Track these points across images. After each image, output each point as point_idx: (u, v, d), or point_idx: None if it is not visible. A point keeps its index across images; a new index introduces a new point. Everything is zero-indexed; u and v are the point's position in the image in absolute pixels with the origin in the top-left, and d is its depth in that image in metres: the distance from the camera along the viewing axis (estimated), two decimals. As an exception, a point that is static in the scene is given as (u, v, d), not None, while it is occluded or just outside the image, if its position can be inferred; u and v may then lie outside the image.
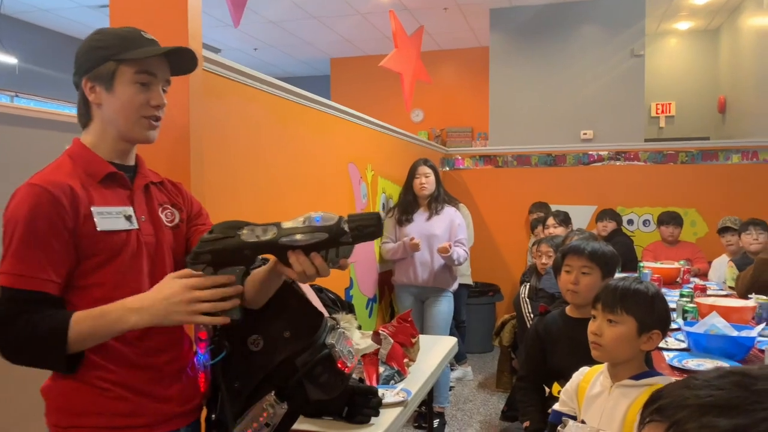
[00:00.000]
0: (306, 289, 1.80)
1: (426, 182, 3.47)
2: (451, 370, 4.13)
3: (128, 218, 1.17)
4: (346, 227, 1.08)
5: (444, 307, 3.47)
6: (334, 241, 1.08)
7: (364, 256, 3.49)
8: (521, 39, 6.42)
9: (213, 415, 1.26)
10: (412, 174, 3.55)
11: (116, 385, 1.14)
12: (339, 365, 1.27)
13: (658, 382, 1.47)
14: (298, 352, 1.26)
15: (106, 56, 1.16)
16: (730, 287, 3.59)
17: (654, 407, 0.59)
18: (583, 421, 1.55)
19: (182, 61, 1.24)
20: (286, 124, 2.57)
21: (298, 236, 1.07)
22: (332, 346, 1.26)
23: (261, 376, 1.26)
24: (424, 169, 3.50)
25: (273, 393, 1.23)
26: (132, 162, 1.26)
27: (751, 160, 4.74)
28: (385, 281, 3.80)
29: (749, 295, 2.93)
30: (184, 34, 1.72)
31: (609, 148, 5.17)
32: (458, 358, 4.30)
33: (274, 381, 1.24)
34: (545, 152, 5.25)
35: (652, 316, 1.50)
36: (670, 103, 7.69)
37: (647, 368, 1.56)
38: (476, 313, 4.88)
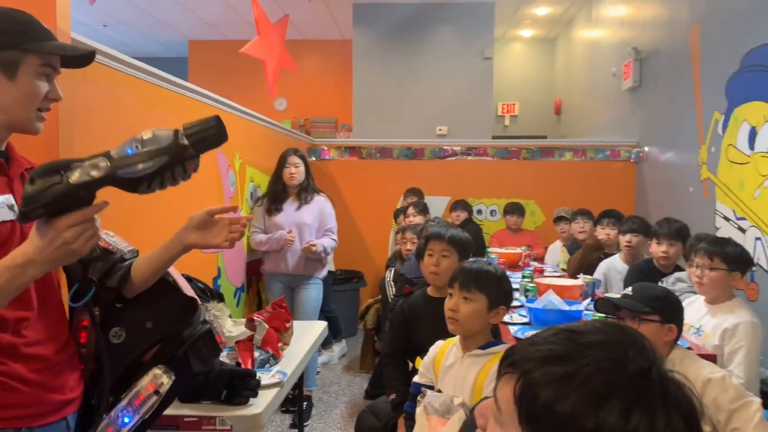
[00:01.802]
0: (178, 277, 1.82)
1: (296, 172, 3.55)
2: (318, 354, 4.26)
3: (11, 207, 1.15)
4: (185, 141, 1.00)
5: (313, 294, 3.58)
6: (178, 160, 1.00)
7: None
8: (383, 35, 6.67)
9: (93, 401, 1.27)
10: (281, 163, 3.60)
11: (6, 377, 1.12)
12: (218, 340, 1.35)
13: (502, 349, 1.71)
14: (173, 335, 1.31)
15: (11, 43, 1.12)
16: (563, 269, 4.09)
17: (507, 362, 0.74)
18: (439, 390, 1.75)
19: (81, 58, 1.22)
20: (153, 109, 2.51)
21: (140, 166, 0.98)
22: (211, 323, 1.33)
23: (124, 367, 1.30)
24: (294, 159, 3.57)
25: (160, 365, 1.27)
26: (3, 148, 1.22)
27: (581, 158, 5.38)
28: (253, 270, 3.83)
29: (578, 276, 3.39)
30: (51, 14, 1.66)
31: (462, 143, 5.57)
32: (324, 344, 4.44)
33: (159, 357, 1.28)
34: (406, 146, 5.54)
35: (500, 293, 1.74)
36: (514, 104, 8.43)
37: (493, 339, 1.81)
38: (341, 300, 5.05)
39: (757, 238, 3.31)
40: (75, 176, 0.98)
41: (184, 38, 8.33)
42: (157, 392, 1.26)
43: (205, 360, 1.30)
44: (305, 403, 3.52)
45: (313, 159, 5.45)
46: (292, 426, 3.34)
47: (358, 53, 6.71)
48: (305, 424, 3.32)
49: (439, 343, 1.86)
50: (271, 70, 4.33)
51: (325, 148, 5.55)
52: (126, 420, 1.25)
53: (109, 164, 0.98)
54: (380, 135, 5.89)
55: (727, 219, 3.67)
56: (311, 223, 3.58)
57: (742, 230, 3.45)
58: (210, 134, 1.00)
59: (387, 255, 5.03)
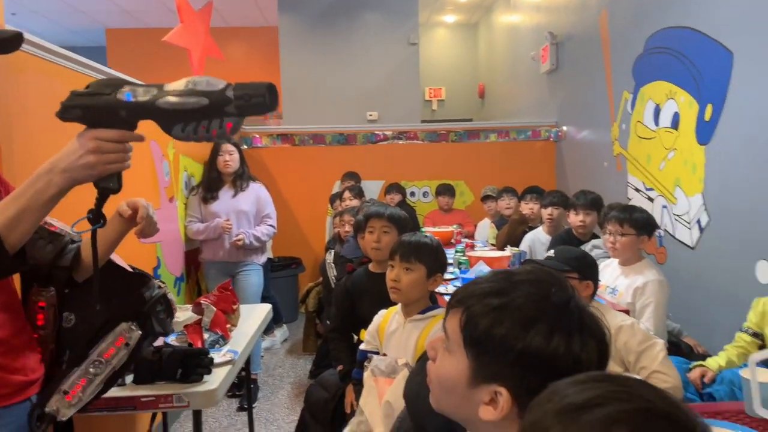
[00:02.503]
0: (122, 262, 1.87)
1: (230, 159, 3.57)
2: (261, 340, 4.32)
3: None
4: (231, 94, 0.97)
5: (254, 280, 3.64)
6: (217, 110, 0.97)
7: (169, 237, 3.48)
8: (309, 22, 6.69)
9: (64, 366, 1.31)
10: (215, 152, 3.61)
11: None
12: (172, 306, 1.42)
13: (440, 312, 1.87)
14: (137, 295, 1.36)
15: None
16: (492, 244, 4.33)
17: (454, 300, 0.88)
18: (384, 354, 1.89)
19: (7, 42, 1.22)
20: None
21: (179, 99, 0.97)
22: (165, 289, 1.40)
23: (81, 348, 1.34)
24: (228, 147, 3.59)
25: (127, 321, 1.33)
26: None
27: (505, 139, 5.65)
28: (192, 260, 3.83)
29: (505, 248, 3.62)
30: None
31: (392, 128, 5.71)
32: (266, 330, 4.49)
33: (125, 316, 1.33)
34: (338, 132, 5.62)
35: (437, 262, 1.89)
36: (440, 88, 8.66)
37: (431, 304, 1.96)
38: (280, 286, 5.10)
39: (664, 206, 3.64)
40: (123, 92, 0.98)
41: (101, 26, 8.02)
42: (126, 345, 1.31)
43: (162, 323, 1.37)
44: (251, 386, 3.59)
45: (245, 147, 5.44)
46: (240, 409, 3.40)
47: (285, 40, 6.70)
48: (252, 406, 3.39)
49: (382, 312, 1.99)
50: (197, 58, 4.28)
51: (257, 135, 5.55)
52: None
53: (156, 93, 0.98)
54: (312, 121, 5.94)
55: (637, 190, 3.99)
56: (248, 210, 3.62)
57: (651, 200, 3.77)
58: (257, 100, 0.96)
59: (324, 240, 5.12)
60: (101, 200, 1.08)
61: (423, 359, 1.26)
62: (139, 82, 1.02)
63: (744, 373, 1.39)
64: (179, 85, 0.98)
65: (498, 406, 0.80)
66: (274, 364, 4.24)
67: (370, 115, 6.74)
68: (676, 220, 3.54)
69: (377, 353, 1.88)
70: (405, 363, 1.65)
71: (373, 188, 5.40)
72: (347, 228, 3.69)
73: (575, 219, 3.35)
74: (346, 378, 2.28)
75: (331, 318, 2.56)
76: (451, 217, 5.17)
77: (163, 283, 1.43)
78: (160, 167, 3.32)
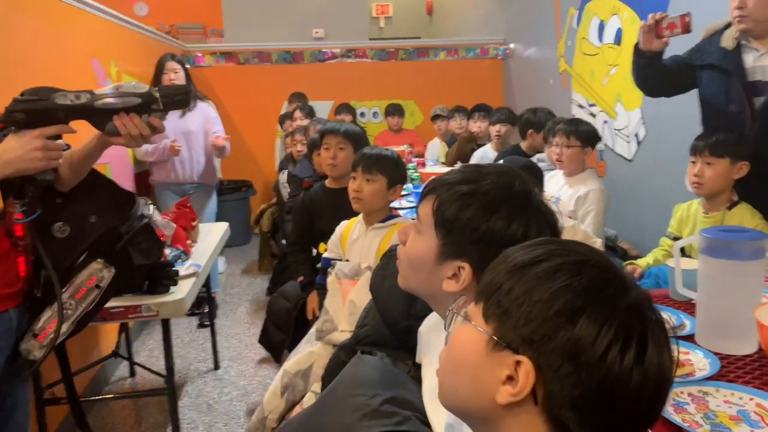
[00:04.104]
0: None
1: (176, 78, 3.47)
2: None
3: None
4: (156, 94, 1.22)
5: (207, 200, 3.64)
6: (147, 107, 1.22)
7: (118, 160, 3.40)
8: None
9: (37, 293, 1.34)
10: (159, 70, 3.49)
11: None
12: (158, 233, 1.45)
13: (400, 221, 1.97)
14: (111, 230, 1.39)
15: None
16: (442, 162, 4.43)
17: (428, 188, 0.98)
18: (347, 260, 1.98)
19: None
20: (24, 16, 2.35)
21: (113, 100, 1.20)
22: (150, 217, 1.43)
23: (71, 261, 1.37)
24: (173, 65, 3.48)
25: (99, 260, 1.36)
26: None
27: (454, 57, 5.65)
28: (142, 182, 3.77)
29: (455, 164, 3.73)
30: None
31: (341, 45, 5.61)
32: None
33: (99, 252, 1.37)
34: (284, 49, 5.48)
35: (397, 174, 1.97)
36: (388, 5, 8.44)
37: (390, 213, 2.05)
38: (231, 209, 5.09)
39: (605, 122, 3.80)
40: (59, 96, 1.17)
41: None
42: (98, 286, 1.35)
43: (146, 253, 1.41)
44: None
45: (188, 66, 5.25)
46: (200, 326, 3.49)
47: (224, -48, 6.33)
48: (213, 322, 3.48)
49: (344, 223, 2.08)
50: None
51: (200, 54, 5.36)
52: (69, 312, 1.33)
53: (90, 97, 1.18)
54: (255, 39, 5.73)
55: (581, 106, 4.13)
56: (196, 130, 3.56)
57: (593, 115, 3.92)
58: (178, 99, 1.25)
59: (274, 161, 5.10)
60: (37, 191, 1.24)
61: (386, 256, 1.36)
62: (66, 90, 1.20)
63: (670, 262, 1.55)
64: (109, 89, 1.21)
65: (460, 279, 0.91)
66: (230, 284, 4.32)
67: (317, 33, 6.54)
68: (616, 134, 3.72)
69: (340, 260, 1.97)
70: (368, 266, 1.75)
71: (322, 109, 5.35)
72: (299, 147, 3.70)
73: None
74: (308, 287, 2.38)
75: (289, 233, 2.62)
76: (401, 138, 5.21)
77: (149, 201, 1.46)
78: (103, 86, 3.19)
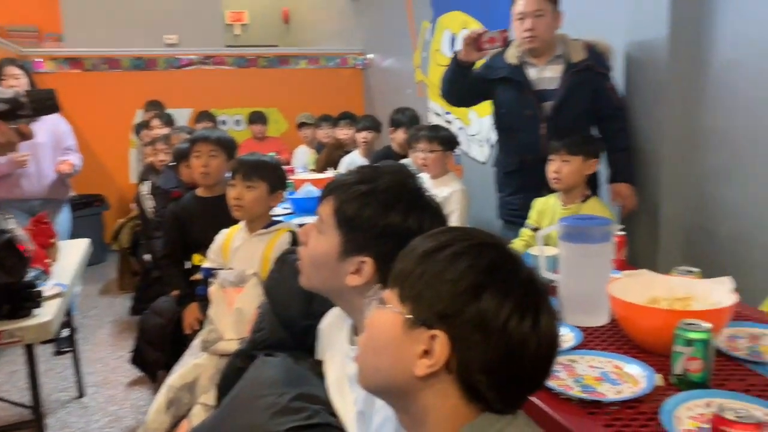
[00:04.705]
0: None
1: (17, 84, 3.15)
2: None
3: None
4: (23, 99, 1.18)
5: (62, 218, 3.35)
6: (13, 113, 1.18)
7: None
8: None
9: None
10: (-3, 76, 3.17)
11: None
12: (20, 249, 1.34)
13: (284, 226, 1.99)
14: None
15: None
16: (312, 169, 4.47)
17: (327, 190, 1.03)
18: (231, 269, 1.96)
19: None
20: None
21: None
22: (11, 232, 1.32)
23: None
24: (13, 70, 3.16)
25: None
26: None
27: (315, 66, 5.72)
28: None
29: (325, 171, 3.79)
30: None
31: (197, 52, 5.43)
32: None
33: None
34: (136, 55, 5.20)
35: (277, 180, 1.99)
36: (243, 12, 8.31)
37: (272, 220, 2.06)
38: (83, 226, 4.70)
39: (460, 128, 4.08)
40: None
41: None
42: None
43: (11, 271, 1.30)
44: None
45: (26, 72, 4.78)
46: (57, 353, 3.20)
47: (61, -51, 5.86)
48: (71, 349, 3.21)
49: (224, 231, 2.04)
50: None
51: (40, 59, 4.91)
52: None
53: None
54: (100, 45, 5.35)
55: (438, 114, 4.40)
56: (44, 142, 3.27)
57: (449, 123, 4.19)
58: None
59: (128, 173, 4.82)
60: None
61: (280, 260, 1.38)
62: None
63: (531, 251, 1.74)
64: None
65: (363, 273, 0.97)
66: (88, 306, 4.00)
67: (169, 39, 6.27)
68: (470, 140, 4.01)
69: (222, 269, 1.94)
70: (254, 272, 1.75)
71: (181, 117, 5.15)
72: (162, 157, 3.54)
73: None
74: (184, 301, 2.29)
75: (162, 245, 2.51)
76: (267, 146, 5.16)
77: (8, 215, 1.34)
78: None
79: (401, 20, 4.72)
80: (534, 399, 1.07)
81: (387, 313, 0.74)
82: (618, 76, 2.50)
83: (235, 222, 2.05)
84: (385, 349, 0.73)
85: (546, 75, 2.43)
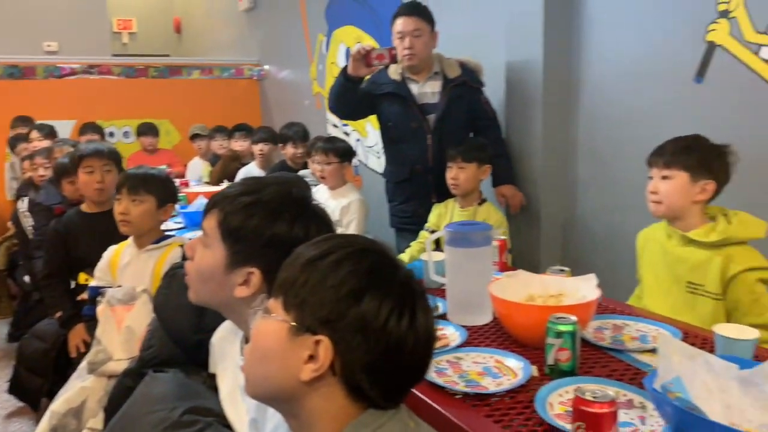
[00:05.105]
0: None
1: None
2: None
3: None
4: None
5: None
6: None
7: None
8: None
9: None
10: None
11: None
12: None
13: (175, 240, 1.95)
14: None
15: None
16: (206, 182, 4.37)
17: (211, 204, 1.02)
18: (119, 286, 1.89)
19: None
20: None
21: None
22: None
23: None
24: None
25: None
26: None
27: (209, 76, 5.59)
28: None
29: (221, 183, 3.73)
30: None
31: (80, 61, 5.14)
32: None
33: None
34: (10, 63, 4.83)
35: (167, 193, 1.94)
36: (131, 20, 7.99)
37: (163, 234, 2.01)
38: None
39: (358, 140, 4.16)
40: None
41: None
42: None
43: None
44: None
45: None
46: None
47: None
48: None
49: (112, 248, 1.96)
50: None
51: None
52: None
53: None
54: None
55: (335, 126, 4.45)
56: None
57: (347, 134, 4.26)
58: None
59: (3, 189, 4.47)
60: None
61: (168, 275, 1.36)
62: None
63: (424, 256, 1.82)
64: None
65: (251, 284, 0.99)
66: (-42, 334, 3.66)
67: (48, 46, 5.91)
68: (368, 151, 4.10)
69: (110, 287, 1.86)
70: (144, 289, 1.70)
71: (63, 129, 4.84)
72: (42, 172, 3.33)
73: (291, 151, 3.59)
74: (69, 322, 2.17)
75: (42, 264, 2.36)
76: (158, 158, 4.97)
77: None
78: None
79: (297, 32, 4.74)
80: (422, 396, 1.13)
81: (272, 322, 0.76)
82: (498, 92, 2.69)
83: (124, 238, 1.98)
84: (271, 357, 0.75)
85: (426, 90, 2.60)
